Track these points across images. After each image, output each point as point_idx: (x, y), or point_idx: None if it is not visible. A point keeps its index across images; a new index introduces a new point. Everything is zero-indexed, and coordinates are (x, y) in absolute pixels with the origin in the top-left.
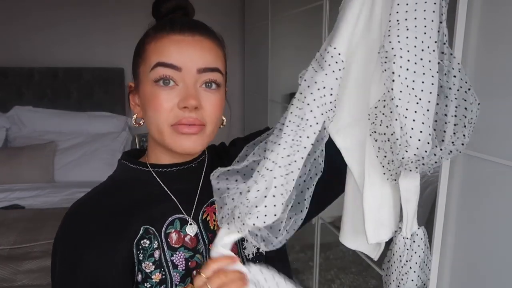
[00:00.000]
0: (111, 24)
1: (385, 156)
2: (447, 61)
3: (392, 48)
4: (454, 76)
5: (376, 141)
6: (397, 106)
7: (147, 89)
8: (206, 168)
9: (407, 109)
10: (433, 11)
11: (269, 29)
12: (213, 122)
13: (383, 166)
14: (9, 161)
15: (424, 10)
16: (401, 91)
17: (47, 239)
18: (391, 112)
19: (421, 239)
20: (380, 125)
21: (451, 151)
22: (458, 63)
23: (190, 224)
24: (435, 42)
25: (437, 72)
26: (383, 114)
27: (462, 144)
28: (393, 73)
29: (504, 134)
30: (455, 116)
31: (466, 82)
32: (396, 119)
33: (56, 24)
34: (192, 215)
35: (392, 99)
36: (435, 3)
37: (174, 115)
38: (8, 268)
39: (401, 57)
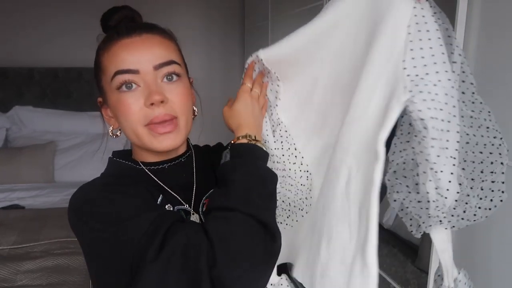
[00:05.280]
0: None
1: (411, 219)
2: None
3: (422, 119)
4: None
5: (402, 210)
6: (432, 168)
7: (113, 98)
8: (195, 161)
9: (440, 166)
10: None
11: (269, 29)
12: (184, 113)
13: (410, 225)
14: (9, 161)
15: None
16: (437, 154)
17: (47, 239)
18: (417, 174)
19: (465, 283)
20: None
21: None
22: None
23: (193, 213)
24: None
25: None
26: (405, 177)
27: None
28: (424, 137)
29: (504, 134)
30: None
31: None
32: (431, 180)
33: (57, 24)
34: (192, 207)
35: (427, 160)
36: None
37: (144, 115)
38: (8, 268)
39: (431, 117)
